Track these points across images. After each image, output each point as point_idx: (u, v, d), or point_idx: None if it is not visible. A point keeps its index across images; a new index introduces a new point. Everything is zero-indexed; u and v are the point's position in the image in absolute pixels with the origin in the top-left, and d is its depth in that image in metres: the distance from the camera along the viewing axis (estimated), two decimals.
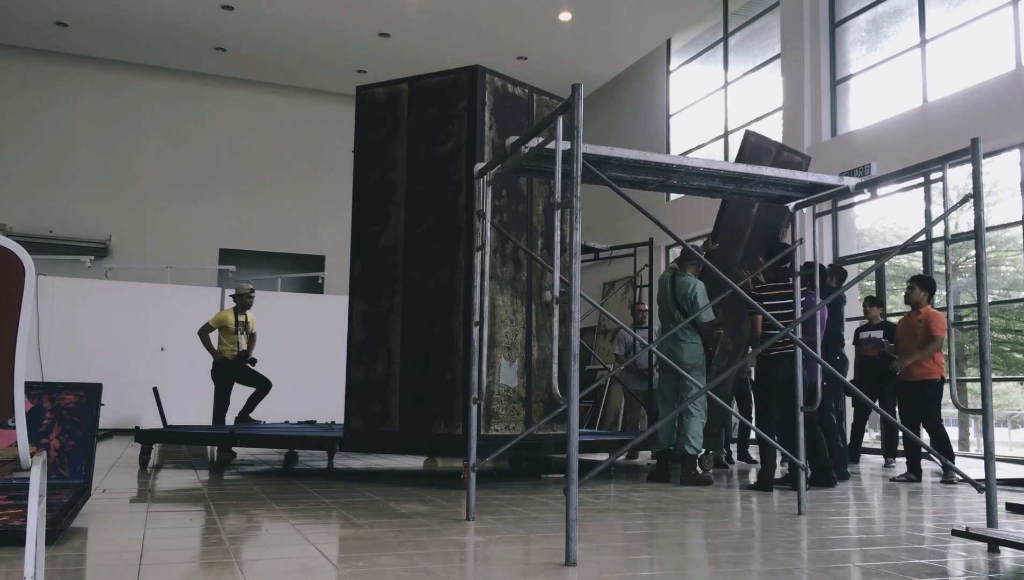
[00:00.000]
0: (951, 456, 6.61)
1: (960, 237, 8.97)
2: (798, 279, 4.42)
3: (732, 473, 6.68)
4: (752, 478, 5.99)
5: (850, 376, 7.73)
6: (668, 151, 13.69)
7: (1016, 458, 7.22)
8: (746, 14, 12.27)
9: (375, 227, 5.93)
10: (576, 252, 2.98)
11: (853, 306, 9.22)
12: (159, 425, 8.26)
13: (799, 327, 4.35)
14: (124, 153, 14.56)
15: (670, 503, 4.70)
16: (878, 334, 7.62)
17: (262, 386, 8.29)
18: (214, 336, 8.37)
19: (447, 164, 5.72)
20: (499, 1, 12.48)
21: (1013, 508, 4.53)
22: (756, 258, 6.34)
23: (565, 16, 12.92)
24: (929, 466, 7.68)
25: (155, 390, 8.44)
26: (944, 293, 9.23)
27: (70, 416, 4.03)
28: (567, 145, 3.20)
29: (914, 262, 9.33)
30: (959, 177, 8.88)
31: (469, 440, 3.95)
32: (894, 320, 9.71)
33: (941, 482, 6.36)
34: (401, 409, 5.68)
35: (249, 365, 8.30)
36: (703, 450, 5.82)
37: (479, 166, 4.10)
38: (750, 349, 5.86)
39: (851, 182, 4.02)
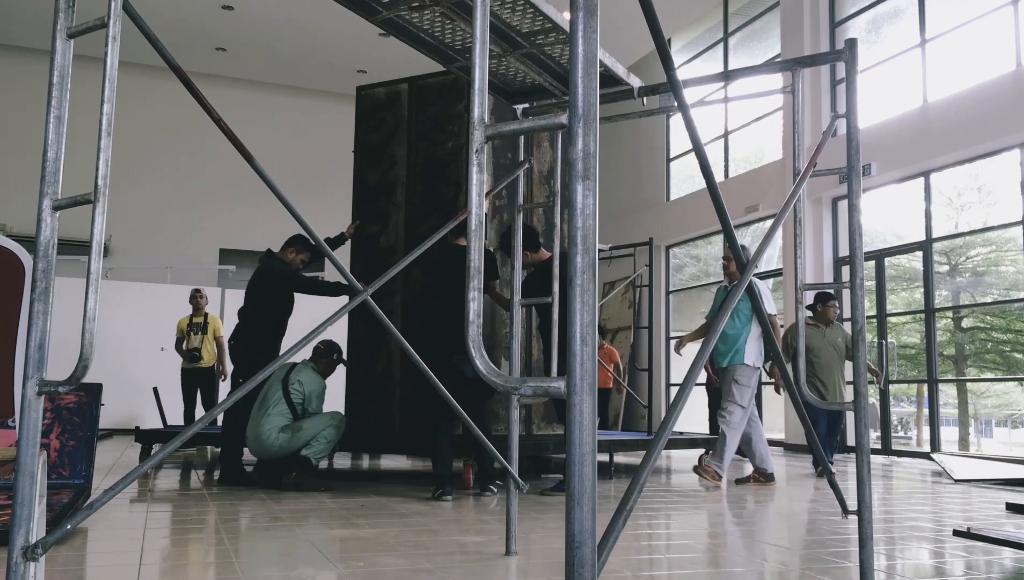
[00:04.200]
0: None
1: (960, 236, 8.97)
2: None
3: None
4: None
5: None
6: (668, 151, 13.70)
7: (1016, 458, 7.22)
8: (746, 14, 12.27)
9: (375, 227, 5.93)
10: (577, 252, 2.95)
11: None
12: (159, 425, 8.26)
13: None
14: (124, 153, 14.57)
15: (671, 503, 4.70)
16: None
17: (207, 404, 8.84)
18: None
19: (447, 164, 5.72)
20: None
21: (1013, 508, 4.52)
22: None
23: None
24: (929, 466, 7.68)
25: (155, 390, 8.44)
26: (945, 293, 9.23)
27: (70, 416, 4.03)
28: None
29: (914, 262, 9.33)
30: (959, 177, 8.88)
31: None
32: (894, 321, 9.75)
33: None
34: (401, 409, 5.68)
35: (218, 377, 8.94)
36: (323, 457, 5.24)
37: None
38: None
39: (636, 82, 3.37)
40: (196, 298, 9.04)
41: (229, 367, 9.26)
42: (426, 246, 2.77)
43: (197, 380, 8.85)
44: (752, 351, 5.70)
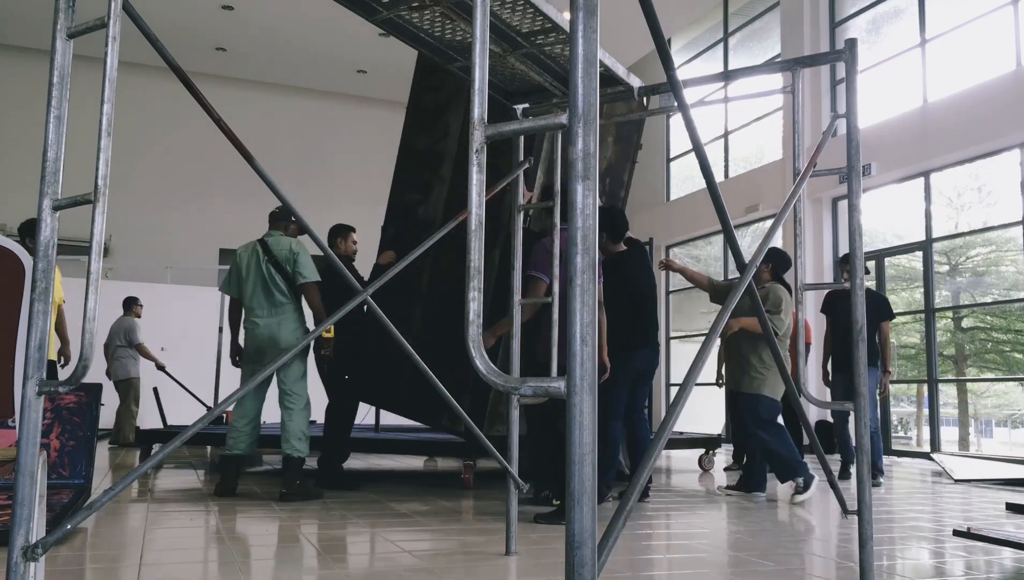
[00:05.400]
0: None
1: (960, 236, 8.97)
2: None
3: None
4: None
5: None
6: (668, 151, 13.70)
7: (1016, 458, 7.22)
8: (746, 14, 12.27)
9: (416, 196, 5.54)
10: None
11: None
12: (159, 425, 8.27)
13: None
14: (124, 153, 14.57)
15: (671, 503, 4.70)
16: None
17: None
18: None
19: (500, 151, 4.99)
20: None
21: (1013, 508, 4.53)
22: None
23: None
24: (929, 466, 7.68)
25: (155, 390, 8.45)
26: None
27: (70, 416, 4.03)
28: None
29: (914, 262, 9.34)
30: (959, 177, 8.88)
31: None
32: (894, 321, 9.72)
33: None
34: (406, 404, 5.57)
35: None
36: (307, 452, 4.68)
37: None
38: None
39: (636, 82, 3.46)
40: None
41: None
42: (433, 241, 2.77)
43: None
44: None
